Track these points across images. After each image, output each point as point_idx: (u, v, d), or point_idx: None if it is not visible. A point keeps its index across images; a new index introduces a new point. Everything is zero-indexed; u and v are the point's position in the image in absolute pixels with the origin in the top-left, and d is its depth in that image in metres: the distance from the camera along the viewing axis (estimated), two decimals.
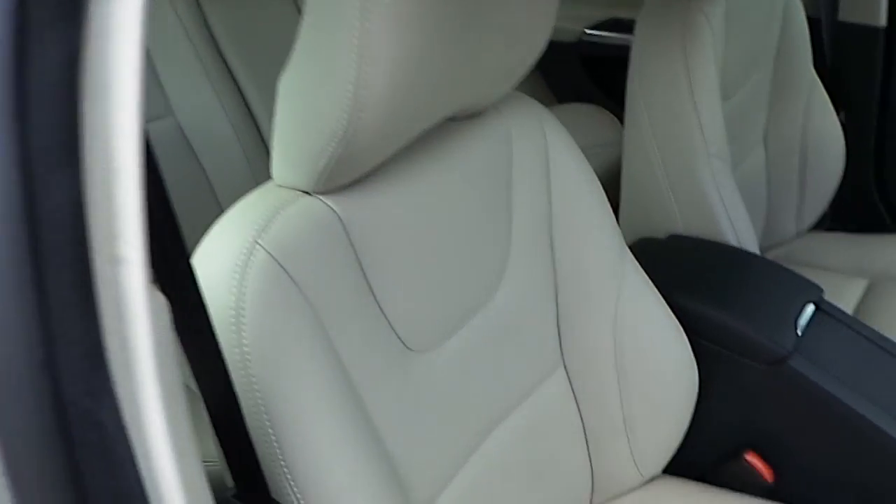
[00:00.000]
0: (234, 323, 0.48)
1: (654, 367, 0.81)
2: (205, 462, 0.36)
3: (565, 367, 0.79)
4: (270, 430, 0.47)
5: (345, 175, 0.53)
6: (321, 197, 0.54)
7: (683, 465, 0.87)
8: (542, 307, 0.75)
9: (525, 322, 0.73)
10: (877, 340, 0.86)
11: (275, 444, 0.47)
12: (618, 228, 0.78)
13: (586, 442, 0.82)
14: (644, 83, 1.01)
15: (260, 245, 0.49)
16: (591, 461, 0.83)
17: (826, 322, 0.86)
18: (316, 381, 0.49)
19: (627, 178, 1.09)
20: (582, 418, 0.81)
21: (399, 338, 0.58)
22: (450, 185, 0.63)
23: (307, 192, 0.54)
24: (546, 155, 0.70)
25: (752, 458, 0.86)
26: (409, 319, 0.59)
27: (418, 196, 0.60)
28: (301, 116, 0.50)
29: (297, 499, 0.48)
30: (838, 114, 1.26)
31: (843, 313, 0.88)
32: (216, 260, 0.50)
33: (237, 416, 0.45)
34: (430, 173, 0.61)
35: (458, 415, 0.65)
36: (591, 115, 1.55)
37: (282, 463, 0.47)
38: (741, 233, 0.99)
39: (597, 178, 0.77)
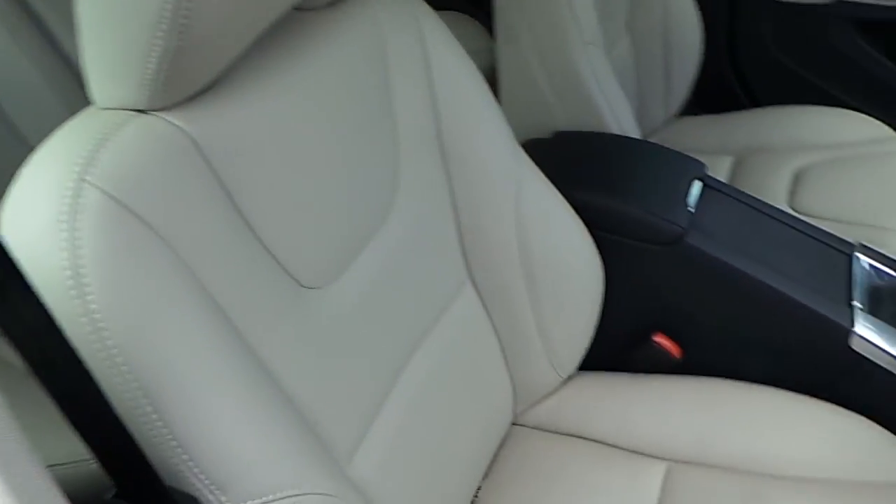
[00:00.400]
0: (74, 286, 0.38)
1: (560, 267, 0.79)
2: (74, 462, 0.27)
3: (473, 281, 0.75)
4: (150, 408, 0.38)
5: (185, 82, 0.42)
6: (161, 114, 0.43)
7: (597, 358, 0.87)
8: (440, 221, 0.69)
9: (425, 240, 0.67)
10: (760, 207, 0.89)
11: (158, 423, 0.38)
12: (509, 128, 0.73)
13: (503, 353, 0.80)
14: None
15: (88, 182, 0.38)
16: (509, 371, 0.82)
17: (713, 196, 0.88)
18: (195, 338, 0.40)
19: (505, 82, 1.05)
20: (496, 330, 0.78)
21: (289, 274, 0.49)
22: (319, 90, 0.53)
23: (142, 111, 0.43)
24: (424, 48, 0.62)
25: (660, 339, 0.89)
26: (297, 252, 0.50)
27: (284, 105, 0.50)
28: (111, 9, 0.39)
29: (202, 481, 0.40)
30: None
31: (728, 186, 0.90)
32: (33, 211, 0.39)
33: (97, 400, 0.35)
34: (293, 78, 0.51)
35: (368, 351, 0.59)
36: (454, 23, 1.48)
37: (173, 444, 0.38)
38: (622, 121, 0.98)
39: (480, 74, 0.70)
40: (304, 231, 0.51)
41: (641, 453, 0.80)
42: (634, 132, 1.01)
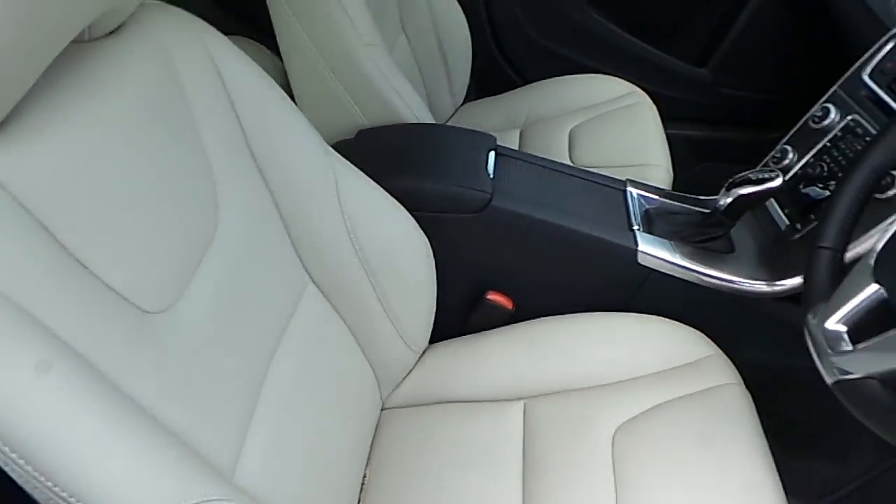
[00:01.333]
0: None
1: (393, 252, 0.84)
2: None
3: (314, 281, 0.77)
4: (14, 455, 0.36)
5: None
6: None
7: (444, 327, 0.95)
8: (269, 229, 0.71)
9: (258, 249, 0.68)
10: (547, 165, 1.02)
11: (27, 467, 0.37)
12: (314, 129, 0.77)
13: (358, 344, 0.84)
14: None
15: None
16: (368, 360, 0.85)
17: (507, 163, 0.99)
18: (49, 381, 0.39)
19: (300, 94, 1.08)
20: (347, 323, 0.82)
21: (130, 302, 0.49)
22: (118, 119, 0.53)
23: None
24: (215, 64, 0.63)
25: (493, 297, 0.98)
26: (132, 279, 0.50)
27: (86, 138, 0.49)
28: None
29: None
30: None
31: (518, 151, 1.03)
32: None
33: None
34: (90, 110, 0.50)
35: (226, 364, 0.60)
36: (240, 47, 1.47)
37: (47, 483, 0.37)
38: (417, 112, 1.06)
39: (276, 83, 0.73)
40: (135, 258, 0.51)
41: (500, 399, 0.88)
42: (430, 120, 1.10)
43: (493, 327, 0.97)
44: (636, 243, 0.92)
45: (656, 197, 1.03)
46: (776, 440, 1.04)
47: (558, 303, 0.95)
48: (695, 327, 0.92)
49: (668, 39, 1.61)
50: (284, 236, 0.73)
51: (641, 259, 0.92)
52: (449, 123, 1.46)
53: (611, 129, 1.35)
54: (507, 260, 0.96)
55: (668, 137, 1.35)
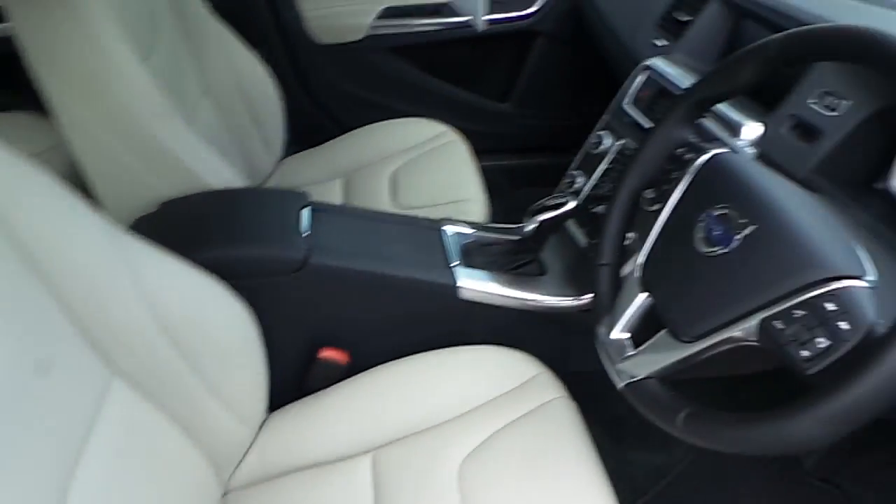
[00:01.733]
0: None
1: (208, 327, 0.80)
2: None
3: (122, 375, 0.72)
4: None
5: None
6: None
7: (280, 394, 0.92)
8: (51, 335, 0.65)
9: (42, 360, 0.62)
10: (363, 215, 1.04)
11: None
12: (96, 214, 0.72)
13: (185, 431, 0.79)
14: (54, 71, 0.92)
15: None
16: (198, 445, 0.80)
17: (323, 218, 0.99)
18: None
19: (92, 172, 1.01)
20: (167, 412, 0.76)
21: None
22: None
23: None
24: None
25: (326, 354, 0.97)
26: None
27: None
28: None
29: None
30: (255, 50, 1.39)
31: (332, 205, 1.03)
32: None
33: None
34: None
35: (22, 483, 0.53)
36: (21, 124, 1.35)
37: None
38: (223, 176, 1.03)
39: (51, 177, 0.68)
40: None
41: (348, 457, 0.87)
42: (240, 183, 1.07)
43: (332, 384, 0.96)
44: (455, 279, 0.96)
45: (470, 231, 1.08)
46: (610, 437, 1.12)
47: (392, 348, 0.96)
48: (522, 349, 0.97)
49: (472, 80, 1.73)
50: (75, 337, 0.67)
51: (462, 294, 0.96)
52: (270, 181, 1.44)
53: (428, 169, 1.41)
54: (334, 315, 0.96)
55: (484, 170, 1.44)
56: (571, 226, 1.07)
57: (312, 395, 0.95)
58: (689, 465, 1.11)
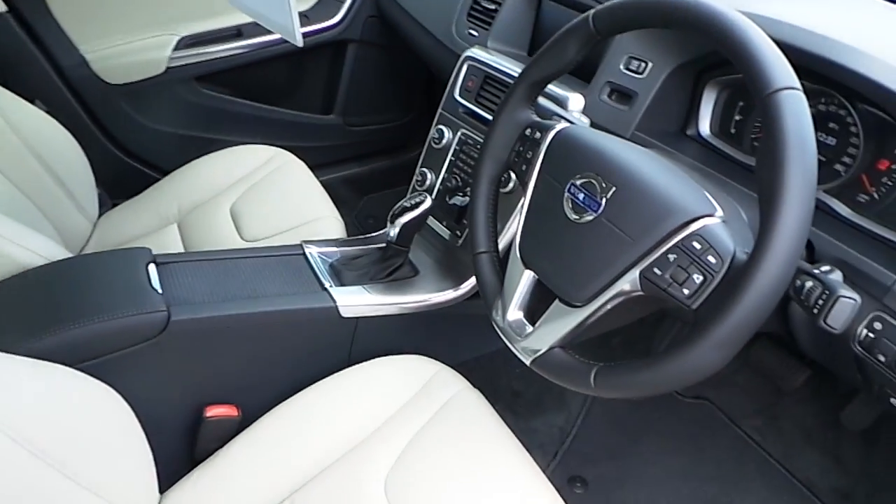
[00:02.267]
0: None
1: (68, 421, 0.70)
2: None
3: None
4: None
5: None
6: None
7: (175, 468, 0.83)
8: None
9: None
10: (217, 256, 0.97)
11: None
12: None
13: None
14: None
15: None
16: None
17: (172, 270, 0.91)
18: None
19: None
20: None
21: None
22: None
23: None
24: None
25: (213, 412, 0.90)
26: None
27: None
28: None
29: None
30: (33, 103, 1.23)
31: (174, 254, 0.94)
32: None
33: None
34: None
35: None
36: None
37: None
38: (41, 249, 0.90)
39: None
40: None
41: None
42: (58, 254, 0.94)
43: (227, 442, 0.89)
44: (334, 300, 0.93)
45: (335, 249, 1.06)
46: (512, 412, 1.16)
47: (284, 388, 0.91)
48: (417, 353, 0.97)
49: (292, 98, 1.68)
50: None
51: (344, 312, 0.93)
52: (91, 244, 1.29)
53: (269, 195, 1.35)
54: (213, 369, 0.89)
55: (325, 185, 1.40)
56: (432, 222, 1.09)
57: (207, 461, 0.87)
58: (587, 416, 1.18)
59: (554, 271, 0.67)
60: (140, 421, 0.80)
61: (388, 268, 1.02)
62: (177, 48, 1.49)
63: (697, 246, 0.56)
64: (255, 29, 1.54)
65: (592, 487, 1.16)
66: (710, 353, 0.52)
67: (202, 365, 0.88)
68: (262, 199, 1.34)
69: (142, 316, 0.81)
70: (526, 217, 0.72)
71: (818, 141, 0.77)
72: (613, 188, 0.63)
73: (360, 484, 0.81)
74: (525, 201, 0.72)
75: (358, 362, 0.94)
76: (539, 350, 0.66)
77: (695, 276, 0.55)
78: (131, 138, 1.53)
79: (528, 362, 0.67)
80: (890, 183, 0.72)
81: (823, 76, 0.71)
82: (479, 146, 1.04)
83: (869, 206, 0.73)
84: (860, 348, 0.65)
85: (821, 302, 0.52)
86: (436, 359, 0.96)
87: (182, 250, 1.24)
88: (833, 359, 0.73)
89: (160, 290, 0.85)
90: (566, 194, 0.66)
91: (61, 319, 0.77)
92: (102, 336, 0.79)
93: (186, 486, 0.84)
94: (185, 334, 0.84)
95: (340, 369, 0.94)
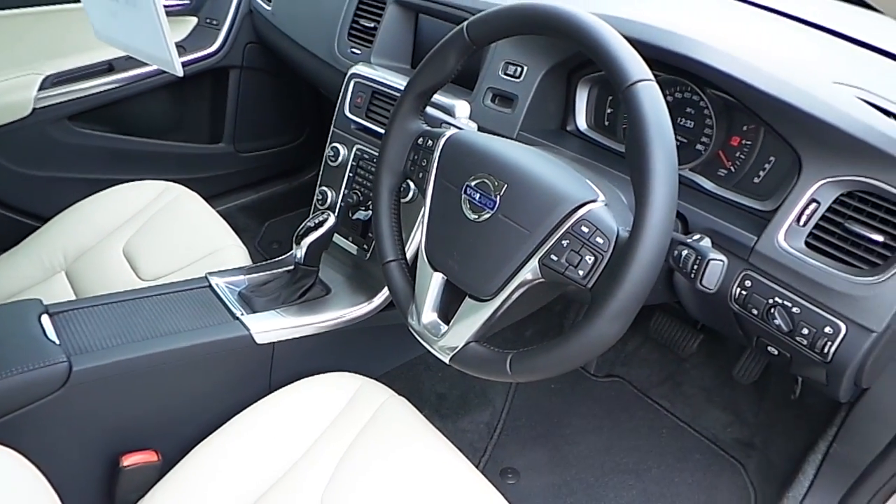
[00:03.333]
0: None
1: None
2: None
3: None
4: None
5: None
6: None
7: None
8: None
9: None
10: (115, 299, 0.93)
11: None
12: None
13: None
14: None
15: None
16: None
17: (67, 319, 0.86)
18: None
19: None
20: None
21: None
22: None
23: None
24: None
25: (130, 460, 0.85)
26: None
27: None
28: None
29: None
30: None
31: (73, 301, 0.90)
32: None
33: None
34: None
35: None
36: None
37: None
38: None
39: None
40: None
41: None
42: None
43: (149, 489, 0.85)
44: (248, 328, 0.92)
45: (242, 277, 1.04)
46: (439, 415, 1.19)
47: (205, 425, 0.89)
48: (338, 370, 0.97)
49: (175, 129, 1.63)
50: None
51: (259, 339, 0.92)
52: None
53: (166, 230, 1.30)
54: (125, 415, 0.85)
55: (223, 214, 1.37)
56: (338, 238, 1.10)
57: None
58: (511, 409, 1.23)
59: (461, 270, 0.70)
60: (50, 482, 0.75)
61: (300, 289, 1.01)
62: (42, 87, 1.41)
63: (585, 230, 0.61)
64: (128, 62, 1.48)
65: (524, 476, 1.21)
66: (607, 325, 0.57)
67: (113, 412, 0.84)
68: (158, 235, 1.29)
69: (40, 370, 0.76)
70: (428, 222, 0.75)
71: (678, 125, 0.86)
72: (505, 185, 0.67)
73: None
74: (426, 207, 0.75)
75: (282, 386, 0.94)
76: (456, 346, 0.69)
77: (587, 257, 0.60)
78: (2, 187, 1.42)
79: (446, 360, 0.70)
80: (742, 156, 0.81)
81: (674, 67, 0.79)
82: (374, 160, 1.06)
83: (728, 178, 0.82)
84: (736, 305, 0.73)
85: (696, 267, 0.58)
86: (358, 373, 0.97)
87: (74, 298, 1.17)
88: (717, 320, 0.81)
89: (57, 341, 0.81)
90: (463, 196, 0.70)
91: None
92: None
93: None
94: (91, 383, 0.80)
95: (262, 398, 0.92)
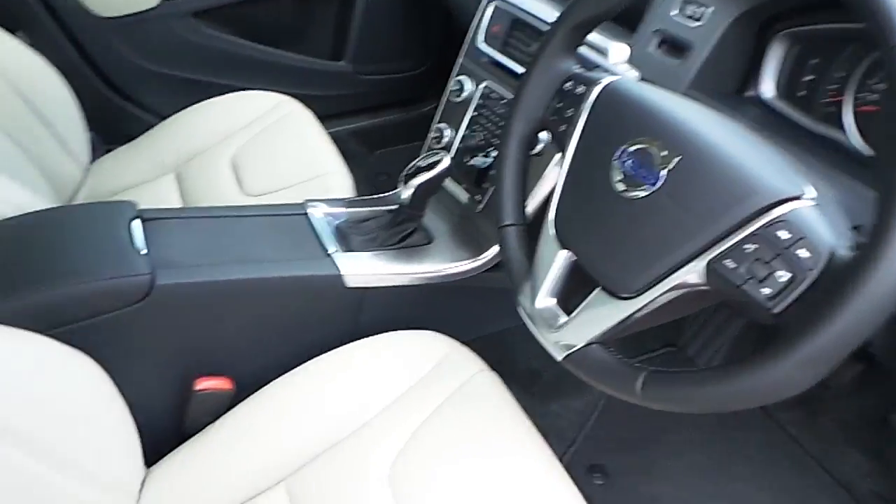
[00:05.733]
0: None
1: (40, 395, 0.63)
2: None
3: None
4: None
5: None
6: None
7: (160, 443, 0.77)
8: None
9: None
10: (211, 214, 0.88)
11: None
12: None
13: None
14: None
15: None
16: None
17: (160, 227, 0.82)
18: None
19: None
20: None
21: None
22: None
23: None
24: None
25: (204, 384, 0.82)
26: None
27: None
28: None
29: None
30: (15, 34, 1.13)
31: (168, 210, 0.86)
32: None
33: None
34: None
35: None
36: None
37: None
38: (14, 200, 0.81)
39: None
40: None
41: (256, 495, 0.75)
42: (41, 204, 0.85)
43: (222, 414, 0.81)
44: (337, 268, 0.84)
45: (342, 209, 0.96)
46: (529, 394, 1.08)
47: (281, 361, 0.83)
48: (427, 328, 0.88)
49: (297, 41, 1.56)
50: None
51: (349, 282, 0.85)
52: (81, 192, 1.20)
53: (274, 146, 1.25)
54: (203, 338, 0.81)
55: (333, 137, 1.30)
56: (449, 184, 0.99)
57: (197, 436, 0.80)
58: (610, 402, 1.11)
59: (598, 255, 0.57)
60: (122, 392, 0.72)
61: (400, 233, 0.92)
62: None
63: (784, 235, 0.45)
64: None
65: (613, 478, 1.09)
66: (795, 371, 0.42)
67: (192, 334, 0.80)
68: (266, 150, 1.24)
69: (121, 280, 0.72)
70: (563, 187, 0.61)
71: None
72: (678, 158, 0.52)
73: (362, 471, 0.73)
74: (563, 169, 0.62)
75: (364, 336, 0.86)
76: (574, 345, 0.57)
77: (779, 273, 0.45)
78: (122, 78, 1.41)
79: (559, 358, 0.58)
80: None
81: None
82: (504, 101, 0.93)
83: None
84: None
85: None
86: (448, 334, 0.88)
87: (179, 201, 1.15)
88: None
89: (145, 251, 0.77)
90: (615, 162, 0.56)
91: (29, 280, 0.69)
92: (76, 300, 0.70)
93: (174, 461, 0.78)
94: (172, 300, 0.76)
95: (344, 343, 0.85)
